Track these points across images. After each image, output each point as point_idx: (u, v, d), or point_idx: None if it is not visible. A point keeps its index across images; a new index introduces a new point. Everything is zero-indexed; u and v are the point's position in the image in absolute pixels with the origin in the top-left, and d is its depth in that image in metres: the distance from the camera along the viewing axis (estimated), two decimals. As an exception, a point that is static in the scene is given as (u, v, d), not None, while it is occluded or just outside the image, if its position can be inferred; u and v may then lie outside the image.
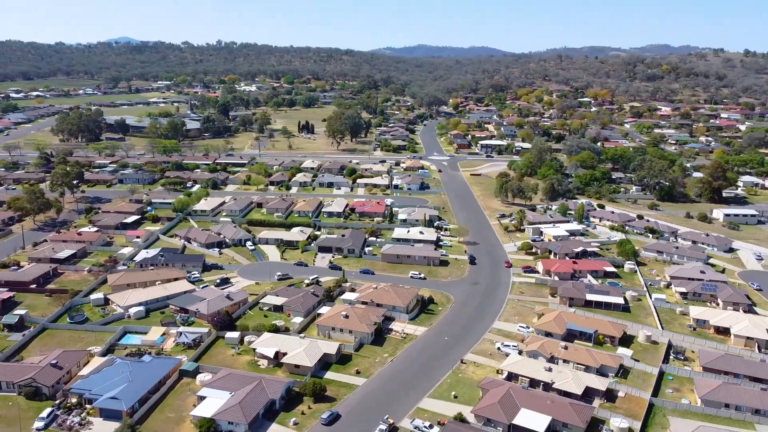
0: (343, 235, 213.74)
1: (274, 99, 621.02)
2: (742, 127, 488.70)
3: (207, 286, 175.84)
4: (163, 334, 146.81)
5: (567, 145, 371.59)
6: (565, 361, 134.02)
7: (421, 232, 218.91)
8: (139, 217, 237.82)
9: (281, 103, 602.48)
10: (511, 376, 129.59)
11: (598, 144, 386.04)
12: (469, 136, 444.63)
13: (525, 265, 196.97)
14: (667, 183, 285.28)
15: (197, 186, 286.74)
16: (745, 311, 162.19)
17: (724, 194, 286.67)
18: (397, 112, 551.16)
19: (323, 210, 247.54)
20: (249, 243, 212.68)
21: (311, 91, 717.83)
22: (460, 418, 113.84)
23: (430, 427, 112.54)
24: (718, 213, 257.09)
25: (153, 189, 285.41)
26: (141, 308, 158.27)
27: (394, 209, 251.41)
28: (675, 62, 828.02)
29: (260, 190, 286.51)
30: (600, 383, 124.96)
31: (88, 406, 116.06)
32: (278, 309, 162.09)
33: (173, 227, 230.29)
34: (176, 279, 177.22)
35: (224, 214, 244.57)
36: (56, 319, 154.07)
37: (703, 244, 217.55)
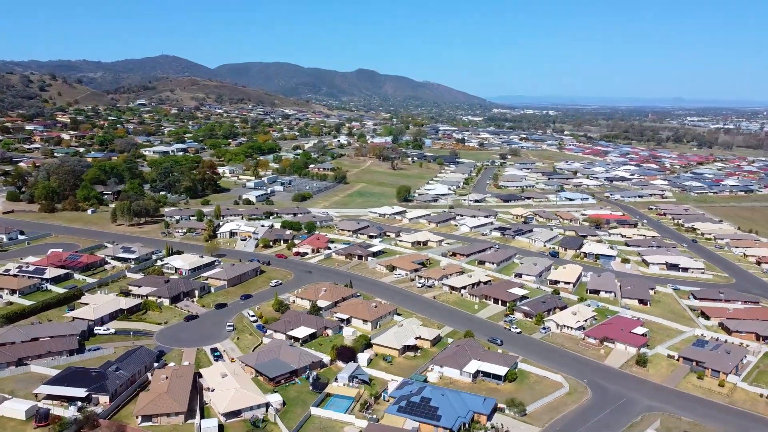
0: (167, 281, 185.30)
1: None
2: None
3: (220, 356, 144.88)
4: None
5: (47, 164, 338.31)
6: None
7: (201, 257, 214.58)
8: None
9: None
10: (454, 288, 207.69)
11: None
12: None
13: (295, 252, 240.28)
14: (189, 183, 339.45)
15: None
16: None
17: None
18: None
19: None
20: (104, 329, 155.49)
21: None
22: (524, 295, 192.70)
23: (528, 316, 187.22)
24: (251, 195, 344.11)
25: None
26: (278, 397, 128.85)
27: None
28: None
29: None
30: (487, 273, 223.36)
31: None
32: (312, 337, 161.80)
33: None
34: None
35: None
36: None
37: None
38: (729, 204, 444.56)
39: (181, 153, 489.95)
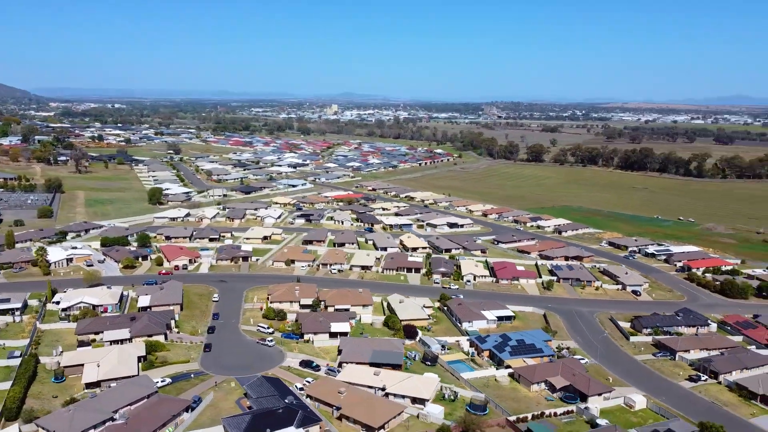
0: (133, 318, 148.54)
1: None
2: None
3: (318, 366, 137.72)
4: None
5: None
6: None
7: (109, 288, 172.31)
8: None
9: None
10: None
11: None
12: None
13: (175, 266, 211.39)
14: None
15: None
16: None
17: None
18: None
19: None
20: (159, 380, 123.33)
21: None
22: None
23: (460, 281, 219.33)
24: None
25: None
26: (435, 375, 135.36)
27: None
28: None
29: None
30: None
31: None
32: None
33: None
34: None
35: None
36: None
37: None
38: (393, 177, 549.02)
39: None
